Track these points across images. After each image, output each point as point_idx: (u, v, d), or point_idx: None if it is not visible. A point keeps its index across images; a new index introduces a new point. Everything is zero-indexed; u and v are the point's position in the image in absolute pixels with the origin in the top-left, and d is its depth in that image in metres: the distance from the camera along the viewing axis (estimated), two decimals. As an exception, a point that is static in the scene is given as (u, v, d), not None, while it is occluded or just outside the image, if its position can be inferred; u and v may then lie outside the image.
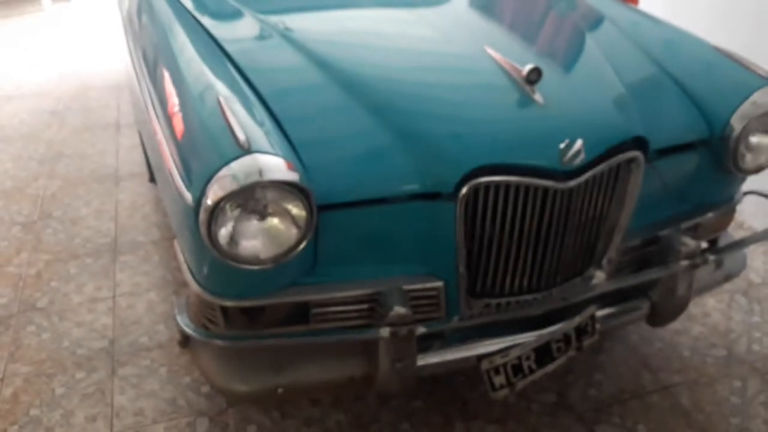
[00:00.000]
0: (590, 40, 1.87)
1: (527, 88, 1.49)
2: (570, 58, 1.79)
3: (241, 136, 1.28)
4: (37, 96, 4.12)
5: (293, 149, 1.39)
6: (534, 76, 1.47)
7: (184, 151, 1.44)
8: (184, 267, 1.51)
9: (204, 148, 1.36)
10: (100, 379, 2.04)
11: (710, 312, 2.37)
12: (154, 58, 1.90)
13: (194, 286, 1.46)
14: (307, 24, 1.95)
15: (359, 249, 1.45)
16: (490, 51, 1.64)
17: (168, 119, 1.57)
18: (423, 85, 1.62)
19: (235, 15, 1.99)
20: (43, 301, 2.38)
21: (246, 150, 1.26)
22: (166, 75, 1.72)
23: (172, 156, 1.47)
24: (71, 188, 3.10)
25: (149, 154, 2.01)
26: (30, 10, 5.81)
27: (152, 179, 2.33)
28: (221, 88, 1.52)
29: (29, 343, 2.18)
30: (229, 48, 1.76)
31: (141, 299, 2.38)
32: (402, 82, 1.63)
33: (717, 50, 1.90)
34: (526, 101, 1.47)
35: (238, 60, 1.70)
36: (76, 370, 2.07)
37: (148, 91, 1.83)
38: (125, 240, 2.71)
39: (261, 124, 1.41)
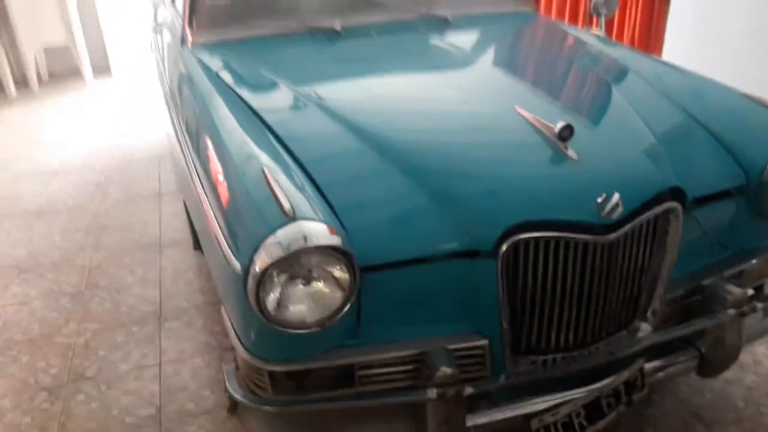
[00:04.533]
0: (617, 93, 1.91)
1: (560, 144, 1.52)
2: (599, 113, 1.82)
3: (285, 204, 1.33)
4: (81, 169, 4.30)
5: (334, 213, 1.44)
6: (566, 133, 1.51)
7: (230, 219, 1.49)
8: (232, 333, 1.54)
9: (250, 216, 1.42)
10: (149, 447, 2.06)
11: (762, 360, 2.31)
12: (196, 130, 1.99)
13: (242, 351, 1.49)
14: (339, 93, 2.04)
15: (402, 309, 1.47)
16: (520, 110, 1.69)
17: (213, 188, 1.64)
18: (456, 146, 1.67)
19: (271, 86, 2.08)
20: (92, 370, 2.43)
21: (291, 217, 1.31)
22: (209, 145, 1.80)
23: (218, 224, 1.53)
24: (116, 258, 3.19)
25: (194, 221, 2.08)
26: (73, 87, 6.11)
27: (197, 247, 2.39)
28: (263, 158, 1.59)
29: (79, 413, 2.21)
30: (267, 118, 1.84)
31: (186, 365, 2.42)
32: (435, 144, 1.68)
33: (745, 97, 1.91)
34: (560, 158, 1.50)
35: (277, 129, 1.77)
36: (125, 438, 2.10)
37: (192, 161, 1.92)
38: (169, 306, 2.77)
39: (302, 191, 1.47)
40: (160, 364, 2.43)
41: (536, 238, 1.40)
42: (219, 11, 2.47)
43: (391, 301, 1.45)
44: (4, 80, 5.82)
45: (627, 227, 1.45)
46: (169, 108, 2.55)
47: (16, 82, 5.97)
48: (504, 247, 1.39)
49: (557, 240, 1.41)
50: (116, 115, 5.34)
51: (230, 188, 1.57)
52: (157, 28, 3.09)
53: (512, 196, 1.46)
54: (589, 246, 1.44)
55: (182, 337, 2.57)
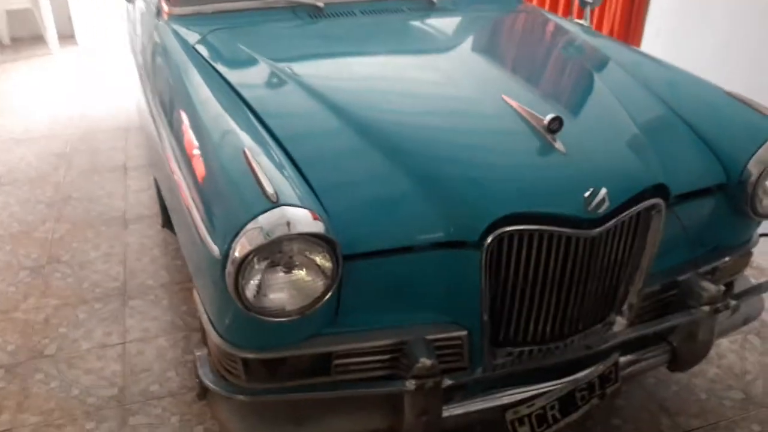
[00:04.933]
0: (604, 86, 1.89)
1: (548, 136, 1.50)
2: (586, 105, 1.80)
3: (268, 188, 1.28)
4: (45, 138, 4.14)
5: (316, 197, 1.39)
6: (555, 125, 1.49)
7: (208, 200, 1.43)
8: (204, 318, 1.49)
9: (230, 199, 1.36)
10: (111, 429, 2.00)
11: (725, 353, 2.35)
12: (170, 104, 1.91)
13: (215, 337, 1.44)
14: (320, 71, 1.98)
15: (382, 298, 1.44)
16: (508, 99, 1.66)
17: (189, 166, 1.58)
18: (443, 131, 1.63)
19: (250, 62, 2.01)
20: (52, 348, 2.35)
21: (274, 202, 1.26)
22: (185, 121, 1.73)
23: (195, 204, 1.47)
24: (79, 232, 3.09)
25: (166, 199, 2.00)
26: (38, 54, 5.87)
27: (166, 224, 2.32)
28: (244, 137, 1.53)
29: (38, 392, 2.14)
30: (246, 94, 1.77)
31: (151, 345, 2.35)
32: (422, 128, 1.64)
33: (728, 94, 1.92)
34: (547, 150, 1.48)
35: (255, 106, 1.71)
36: (85, 420, 2.03)
37: (166, 137, 1.84)
38: (134, 284, 2.69)
39: (284, 173, 1.42)
40: (124, 343, 2.37)
41: (522, 231, 1.38)
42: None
43: (371, 289, 1.42)
44: (-38, 42, 5.57)
45: (612, 222, 1.44)
46: (141, 80, 2.46)
47: (-26, 45, 5.71)
48: (489, 239, 1.36)
49: (542, 233, 1.39)
50: (82, 84, 5.15)
51: (208, 168, 1.50)
52: (129, -5, 2.96)
53: (500, 186, 1.43)
54: (572, 239, 1.42)
55: (147, 316, 2.50)
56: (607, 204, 1.41)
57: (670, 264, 1.70)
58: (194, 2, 2.30)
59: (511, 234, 1.38)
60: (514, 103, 1.62)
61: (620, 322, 1.65)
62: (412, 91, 1.86)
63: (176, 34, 2.17)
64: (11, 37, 6.12)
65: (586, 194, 1.40)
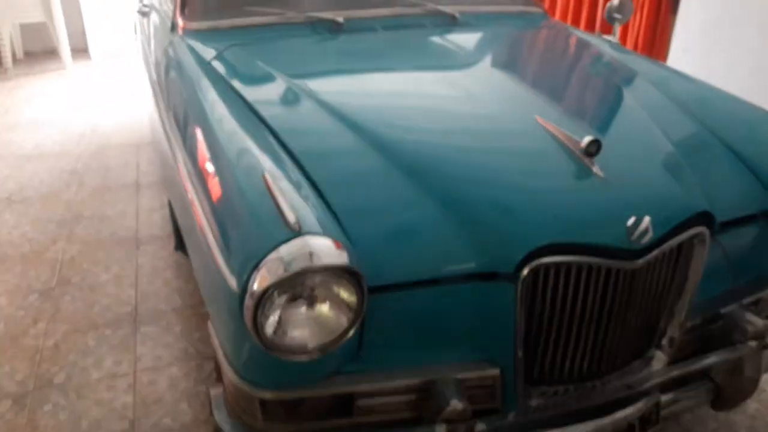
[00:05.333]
0: (638, 106, 1.80)
1: (586, 160, 1.40)
2: (621, 126, 1.71)
3: (290, 217, 1.19)
4: (57, 155, 4.10)
5: (339, 224, 1.30)
6: (593, 149, 1.39)
7: (225, 226, 1.35)
8: (220, 353, 1.40)
9: (249, 226, 1.27)
10: (121, 464, 1.91)
11: (765, 388, 2.22)
12: (185, 123, 1.84)
13: (230, 374, 1.35)
14: (341, 89, 1.90)
15: (408, 333, 1.35)
16: (541, 120, 1.57)
17: (204, 189, 1.49)
18: (474, 153, 1.54)
19: (268, 79, 1.93)
20: (61, 376, 2.26)
21: (296, 232, 1.17)
22: (201, 140, 1.65)
23: (210, 226, 1.39)
24: (91, 252, 3.02)
25: (180, 222, 1.92)
26: (51, 68, 5.87)
27: (179, 247, 2.24)
28: (264, 160, 1.44)
29: (46, 425, 2.05)
30: (264, 113, 1.69)
31: (163, 375, 2.26)
32: (450, 148, 1.55)
33: (762, 110, 1.83)
34: (585, 174, 1.39)
35: (274, 126, 1.63)
36: (94, 454, 1.95)
37: (180, 156, 1.77)
38: (146, 308, 2.61)
39: (305, 198, 1.33)
40: (134, 372, 2.28)
41: (560, 263, 1.28)
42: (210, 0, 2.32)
43: (396, 324, 1.32)
44: (-24, 57, 5.57)
45: (654, 253, 1.34)
46: (154, 96, 2.39)
47: (-12, 60, 5.72)
48: (525, 271, 1.27)
49: (582, 264, 1.30)
50: (94, 98, 5.12)
51: (224, 190, 1.42)
52: (144, 11, 2.91)
53: (536, 214, 1.33)
54: (613, 271, 1.33)
55: (159, 343, 2.42)
56: (650, 234, 1.31)
57: (713, 295, 1.60)
58: (210, 17, 2.24)
59: (548, 266, 1.29)
60: (549, 125, 1.53)
61: (660, 357, 1.54)
62: (437, 109, 1.77)
63: (191, 49, 2.10)
64: (25, 51, 6.12)
65: (629, 223, 1.30)
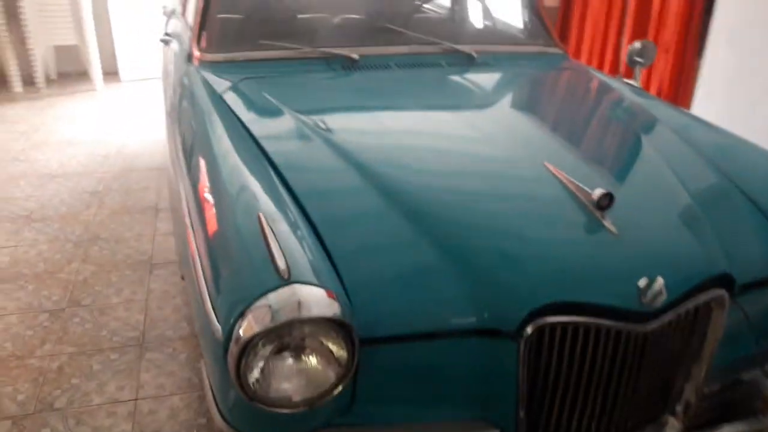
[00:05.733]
0: (657, 155, 1.74)
1: (597, 213, 1.35)
2: (637, 177, 1.65)
3: (280, 263, 1.16)
4: (80, 176, 4.15)
5: (335, 269, 1.26)
6: (605, 202, 1.34)
7: (215, 258, 1.33)
8: (209, 396, 1.36)
9: (238, 266, 1.24)
10: (113, 497, 1.87)
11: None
12: (190, 153, 1.83)
13: (218, 418, 1.31)
14: (350, 127, 1.87)
15: (404, 388, 1.30)
16: (551, 167, 1.52)
17: (200, 216, 1.48)
18: (479, 201, 1.50)
19: (277, 114, 1.92)
20: (62, 400, 2.24)
21: (285, 279, 1.14)
22: (203, 172, 1.65)
23: (200, 258, 1.37)
24: (104, 274, 3.02)
25: (177, 246, 1.90)
26: (82, 89, 5.99)
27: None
28: (261, 199, 1.42)
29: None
30: (267, 147, 1.68)
31: (164, 404, 2.23)
32: (455, 196, 1.51)
33: None
34: (596, 229, 1.34)
35: (276, 160, 1.61)
36: (88, 485, 1.91)
37: (183, 185, 1.76)
38: (153, 335, 2.59)
39: (301, 240, 1.30)
40: (136, 400, 2.25)
41: (566, 323, 1.23)
42: (229, 29, 2.34)
43: (391, 377, 1.28)
44: (10, 77, 5.70)
45: (668, 316, 1.28)
46: (168, 123, 2.40)
47: (23, 80, 5.85)
48: (529, 330, 1.21)
49: (589, 325, 1.24)
50: (121, 121, 5.20)
51: (220, 227, 1.40)
52: (166, 39, 2.95)
53: (542, 269, 1.28)
54: (623, 334, 1.26)
55: (163, 371, 2.39)
56: (663, 296, 1.25)
57: (733, 359, 1.52)
58: (226, 50, 2.25)
59: (553, 325, 1.23)
60: (559, 174, 1.49)
61: (674, 425, 1.46)
62: (446, 151, 1.74)
63: (205, 81, 2.11)
64: (59, 72, 6.26)
65: (641, 284, 1.24)
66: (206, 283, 1.29)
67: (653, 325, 1.26)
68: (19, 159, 4.40)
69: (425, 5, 2.67)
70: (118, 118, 5.28)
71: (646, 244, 1.34)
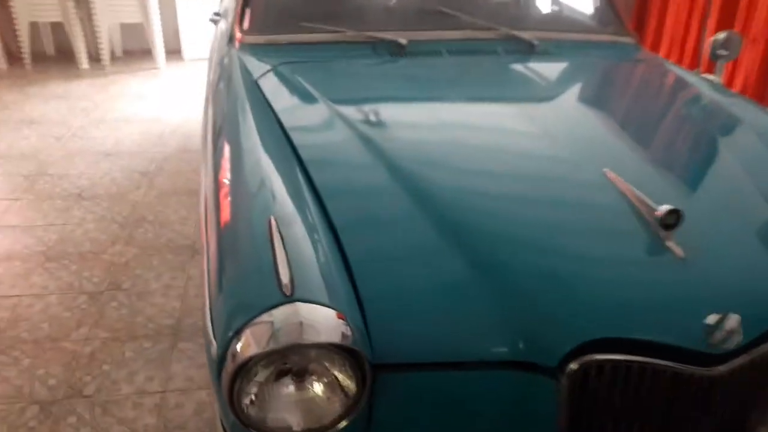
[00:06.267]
0: (738, 165, 1.51)
1: (662, 234, 1.16)
2: (713, 191, 1.43)
3: (284, 277, 1.03)
4: (133, 155, 4.16)
5: (351, 280, 1.12)
6: (672, 220, 1.15)
7: (222, 256, 1.22)
8: (217, 410, 1.25)
9: (242, 273, 1.12)
10: (130, 495, 1.81)
11: None
12: (216, 140, 1.73)
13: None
14: (391, 122, 1.70)
15: (424, 420, 1.15)
16: (612, 175, 1.33)
17: (216, 210, 1.37)
18: (525, 208, 1.32)
19: (310, 103, 1.78)
20: (91, 387, 2.21)
21: (287, 296, 1.00)
22: (226, 158, 1.55)
23: (210, 255, 1.26)
24: (146, 258, 2.99)
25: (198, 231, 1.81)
26: (145, 67, 6.05)
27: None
28: (279, 198, 1.29)
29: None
30: (297, 140, 1.55)
31: (191, 398, 2.16)
32: (499, 202, 1.35)
33: None
34: (660, 252, 1.14)
35: (303, 154, 1.48)
36: (106, 479, 1.86)
37: (206, 167, 1.66)
38: (188, 324, 2.53)
39: (316, 249, 1.16)
40: (164, 392, 2.19)
41: (616, 361, 1.05)
42: (273, 11, 2.22)
43: (412, 408, 1.13)
44: (78, 53, 5.80)
45: (741, 359, 1.08)
46: (205, 105, 2.31)
47: (90, 57, 5.95)
48: (573, 367, 1.04)
49: (644, 366, 1.06)
50: (180, 99, 5.21)
51: (230, 225, 1.28)
52: (215, 19, 2.86)
53: (592, 297, 1.10)
54: (684, 376, 1.07)
55: (194, 363, 2.32)
56: (738, 337, 1.05)
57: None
58: (268, 32, 2.13)
59: (601, 363, 1.05)
60: (620, 184, 1.29)
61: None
62: (494, 151, 1.56)
63: (242, 64, 2.00)
64: (124, 50, 6.35)
65: (710, 321, 1.05)
66: (209, 284, 1.18)
67: (723, 369, 1.07)
68: (78, 136, 4.45)
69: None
70: (177, 97, 5.29)
71: (719, 272, 1.14)
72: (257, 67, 1.97)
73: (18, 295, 2.70)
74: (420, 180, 1.37)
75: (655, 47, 4.11)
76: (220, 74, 2.14)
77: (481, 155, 1.54)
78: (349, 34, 2.09)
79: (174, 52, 6.30)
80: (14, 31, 5.68)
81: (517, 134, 1.63)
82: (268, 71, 1.95)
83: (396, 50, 2.05)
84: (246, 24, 2.18)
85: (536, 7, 2.62)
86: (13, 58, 5.90)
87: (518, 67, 2.08)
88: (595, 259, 1.18)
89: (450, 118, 1.74)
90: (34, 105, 5.00)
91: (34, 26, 5.91)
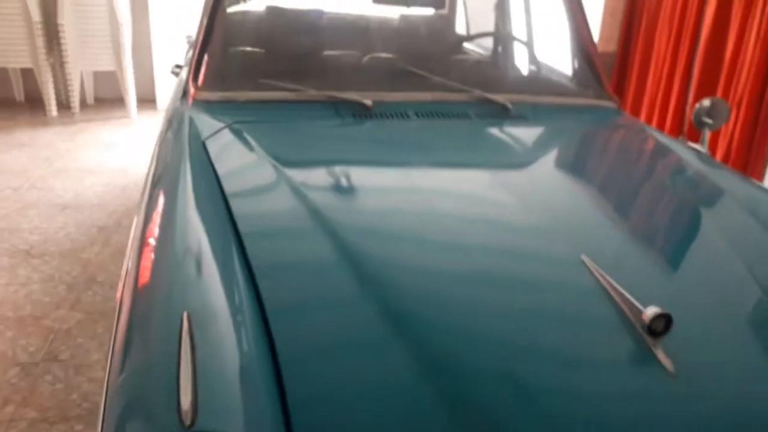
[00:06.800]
0: (733, 254, 1.34)
1: (648, 341, 0.98)
2: (707, 286, 1.25)
3: (184, 402, 0.82)
4: (92, 208, 3.94)
5: (280, 381, 0.92)
6: (660, 326, 0.97)
7: (127, 347, 1.01)
8: None
9: (138, 384, 0.91)
10: None
11: None
12: (150, 193, 1.55)
13: None
14: (349, 194, 1.52)
15: None
16: (590, 263, 1.15)
17: (132, 277, 1.17)
18: (488, 304, 1.13)
19: (259, 169, 1.58)
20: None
21: (186, 428, 0.80)
22: (154, 220, 1.37)
23: (116, 329, 1.07)
24: (89, 325, 2.74)
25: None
26: (116, 116, 5.88)
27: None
28: (204, 283, 1.09)
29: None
30: (237, 211, 1.35)
31: None
32: (461, 294, 1.15)
33: None
34: (645, 364, 0.96)
35: (243, 230, 1.28)
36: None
37: (137, 218, 1.48)
38: (127, 402, 2.28)
39: (238, 356, 0.95)
40: None
41: None
42: (229, 67, 2.06)
43: None
44: (47, 101, 5.64)
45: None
46: (149, 162, 2.12)
47: (60, 104, 5.78)
48: None
49: None
50: (148, 151, 5.02)
51: (143, 308, 1.08)
52: (177, 71, 2.72)
53: (564, 418, 0.90)
54: None
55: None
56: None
57: None
58: (223, 88, 1.97)
59: None
60: (600, 275, 1.11)
61: None
62: (453, 230, 1.37)
63: (192, 122, 1.83)
64: (96, 98, 6.20)
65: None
66: (109, 374, 0.98)
67: None
68: (37, 187, 4.24)
69: (453, 48, 2.34)
70: (147, 147, 5.11)
71: (719, 394, 0.95)
72: (207, 125, 1.80)
73: (-58, 366, 2.44)
74: (374, 262, 1.19)
75: (635, 110, 4.03)
76: (167, 130, 1.97)
77: (438, 234, 1.35)
78: (311, 93, 1.94)
79: (149, 101, 6.16)
80: (-19, 76, 5.52)
81: (481, 210, 1.46)
82: (219, 131, 1.77)
83: (360, 111, 1.90)
84: (200, 79, 2.02)
85: (511, 68, 2.51)
86: (-21, 104, 5.72)
87: (491, 131, 1.93)
88: (568, 373, 0.98)
89: (416, 186, 1.57)
90: (-6, 153, 4.80)
91: (3, 72, 5.75)
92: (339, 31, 2.46)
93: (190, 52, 2.92)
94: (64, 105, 5.88)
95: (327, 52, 2.24)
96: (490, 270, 1.22)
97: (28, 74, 5.82)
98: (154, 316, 1.03)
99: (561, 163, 1.85)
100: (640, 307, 1.00)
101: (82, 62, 5.63)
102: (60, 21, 5.32)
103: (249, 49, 2.20)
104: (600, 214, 1.49)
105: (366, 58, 2.15)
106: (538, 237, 1.32)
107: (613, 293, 1.07)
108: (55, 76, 5.69)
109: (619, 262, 1.22)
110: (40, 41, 5.39)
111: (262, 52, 2.20)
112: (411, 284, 1.15)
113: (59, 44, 5.46)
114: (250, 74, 2.05)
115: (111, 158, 4.85)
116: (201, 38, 2.07)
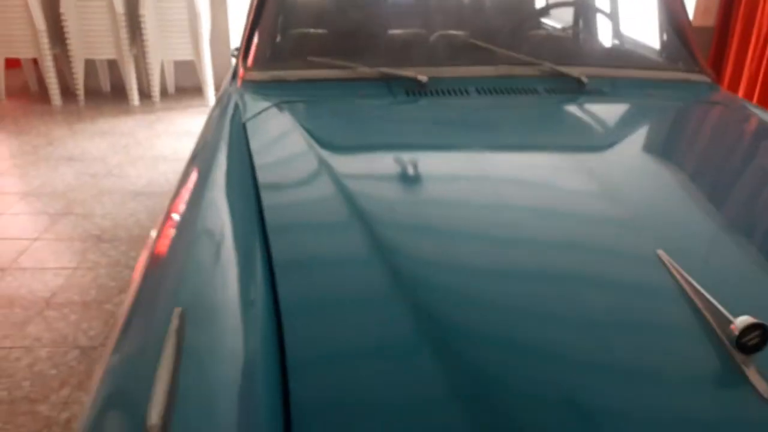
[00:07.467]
0: None
1: (737, 357, 0.77)
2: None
3: (153, 415, 0.70)
4: (163, 195, 3.99)
5: (285, 384, 0.79)
6: (754, 341, 0.76)
7: (124, 338, 0.91)
8: None
9: (115, 388, 0.81)
10: None
11: None
12: (182, 180, 1.46)
13: None
14: (391, 173, 1.35)
15: None
16: (667, 259, 0.95)
17: (148, 264, 1.08)
18: (548, 315, 0.94)
19: (294, 150, 1.45)
20: None
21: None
22: (179, 216, 1.25)
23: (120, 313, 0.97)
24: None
25: None
26: (195, 104, 5.98)
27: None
28: (218, 273, 0.98)
29: None
30: (267, 200, 1.22)
31: None
32: (506, 310, 0.96)
33: None
34: (734, 385, 0.75)
35: (268, 216, 1.16)
36: None
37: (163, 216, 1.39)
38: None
39: (247, 347, 0.83)
40: None
41: None
42: (279, 46, 1.95)
43: None
44: (129, 90, 5.81)
45: None
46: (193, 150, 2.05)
47: (141, 93, 5.95)
48: None
49: None
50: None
51: (142, 305, 0.98)
52: (235, 54, 2.64)
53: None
54: None
55: None
56: None
57: None
58: (272, 67, 1.86)
59: None
60: (680, 274, 0.91)
61: None
62: (516, 225, 1.17)
63: (237, 104, 1.73)
64: (177, 87, 6.33)
65: None
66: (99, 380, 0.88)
67: None
68: (113, 173, 4.34)
69: (527, 22, 2.13)
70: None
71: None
72: (251, 106, 1.69)
73: (9, 348, 2.49)
74: (425, 266, 1.01)
75: (733, 88, 3.64)
76: (213, 111, 1.88)
77: (489, 232, 1.15)
78: (361, 71, 1.79)
79: (226, 90, 6.24)
80: (70, 68, 5.74)
81: (563, 193, 1.25)
82: (261, 112, 1.66)
83: (415, 88, 1.73)
84: (249, 59, 1.92)
85: (588, 41, 2.27)
86: (69, 94, 5.95)
87: (563, 108, 1.71)
88: (640, 392, 0.79)
89: (476, 173, 1.38)
90: (77, 141, 4.97)
91: (91, 64, 5.97)
92: (400, 7, 2.31)
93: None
94: (146, 94, 6.04)
95: (386, 29, 2.08)
96: (551, 267, 1.03)
97: (113, 65, 6.01)
98: (148, 306, 0.93)
99: (644, 144, 1.61)
100: (729, 315, 0.79)
101: (162, 52, 5.75)
102: (141, 12, 5.45)
103: (300, 28, 2.09)
104: (688, 205, 1.26)
105: (421, 33, 1.98)
106: (605, 228, 1.12)
107: (693, 296, 0.86)
108: (137, 67, 5.84)
109: (705, 260, 1.00)
110: (124, 32, 5.54)
111: (314, 30, 2.08)
112: (466, 291, 0.97)
113: (141, 35, 5.60)
114: (300, 53, 1.94)
115: (185, 146, 4.91)
116: (252, 17, 1.98)
